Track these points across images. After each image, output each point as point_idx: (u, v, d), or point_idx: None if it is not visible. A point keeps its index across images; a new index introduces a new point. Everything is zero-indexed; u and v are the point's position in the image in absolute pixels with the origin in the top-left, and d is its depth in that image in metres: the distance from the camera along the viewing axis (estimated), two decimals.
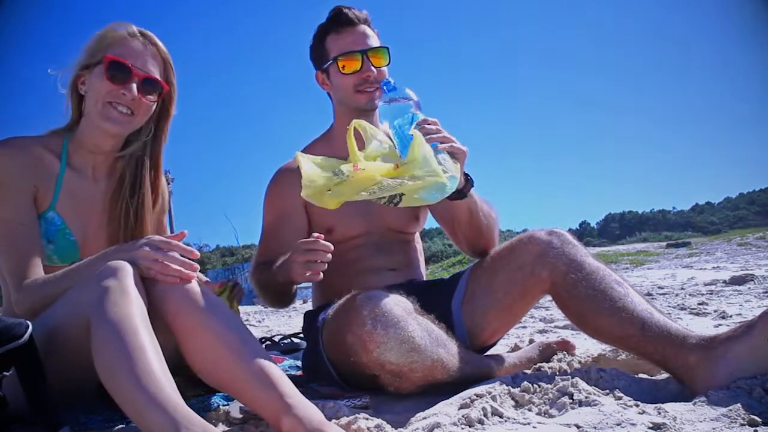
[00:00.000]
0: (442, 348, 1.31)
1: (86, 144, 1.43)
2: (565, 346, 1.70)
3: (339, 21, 1.66)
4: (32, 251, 1.29)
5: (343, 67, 1.64)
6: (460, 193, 1.43)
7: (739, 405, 0.98)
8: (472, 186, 1.46)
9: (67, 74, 1.42)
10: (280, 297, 1.64)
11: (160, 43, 1.43)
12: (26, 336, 1.00)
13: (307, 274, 1.36)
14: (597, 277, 1.32)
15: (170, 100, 1.49)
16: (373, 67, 1.63)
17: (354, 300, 1.31)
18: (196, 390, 1.36)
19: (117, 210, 1.46)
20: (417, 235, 1.85)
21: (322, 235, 1.38)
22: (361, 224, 1.67)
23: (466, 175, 1.43)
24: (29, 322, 1.02)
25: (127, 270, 1.07)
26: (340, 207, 1.66)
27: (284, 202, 1.71)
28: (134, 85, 1.36)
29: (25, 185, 1.32)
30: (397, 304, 1.30)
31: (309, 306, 2.00)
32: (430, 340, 1.29)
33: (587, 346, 1.81)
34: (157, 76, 1.41)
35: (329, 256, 1.36)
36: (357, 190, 1.19)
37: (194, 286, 1.13)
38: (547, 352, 1.66)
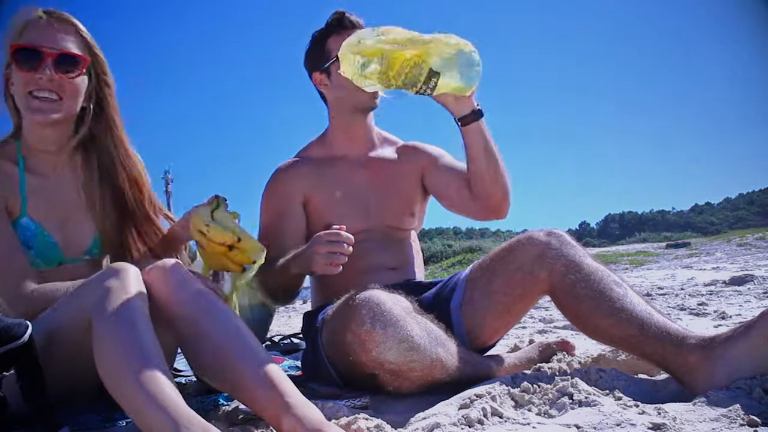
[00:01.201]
0: (441, 347, 1.31)
1: (34, 144, 1.38)
2: (565, 347, 1.70)
3: (342, 24, 1.69)
4: (19, 259, 1.27)
5: None
6: (476, 114, 1.49)
7: (738, 405, 0.98)
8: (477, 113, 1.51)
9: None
10: (286, 292, 1.64)
11: (70, 17, 1.33)
12: (26, 336, 0.99)
13: (329, 265, 1.38)
14: (596, 278, 1.32)
15: (103, 72, 1.40)
16: None
17: (353, 299, 1.31)
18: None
19: (93, 200, 1.43)
20: (415, 236, 1.86)
21: (344, 226, 1.40)
22: (359, 222, 1.68)
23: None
24: (29, 323, 1.02)
25: (129, 270, 1.07)
26: (338, 203, 1.70)
27: (284, 201, 1.73)
28: (48, 67, 1.27)
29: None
30: (396, 304, 1.30)
31: (309, 306, 2.00)
32: (429, 339, 1.29)
33: (587, 346, 1.81)
34: (75, 51, 1.31)
35: (350, 248, 1.38)
36: (393, 68, 1.31)
37: (195, 286, 1.13)
38: (546, 353, 1.66)
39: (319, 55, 1.73)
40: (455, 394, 1.19)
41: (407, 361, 1.26)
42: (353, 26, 1.68)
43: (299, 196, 1.72)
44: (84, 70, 1.34)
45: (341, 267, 1.39)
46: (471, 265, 1.62)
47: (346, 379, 1.42)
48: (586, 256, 1.38)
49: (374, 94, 1.69)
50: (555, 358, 1.63)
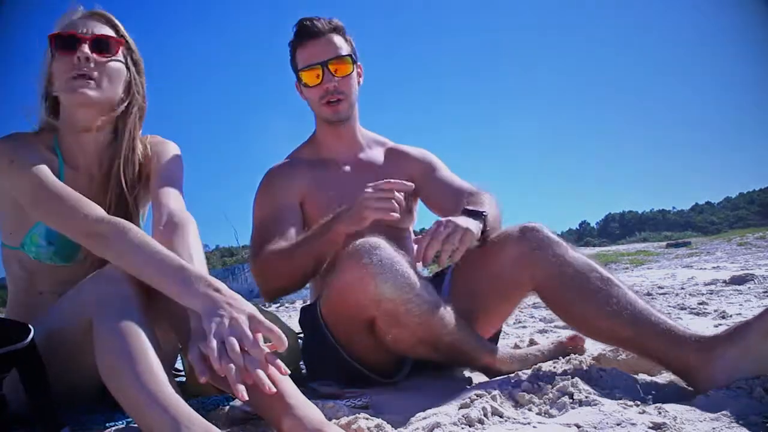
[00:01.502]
0: (439, 302, 1.30)
1: (69, 132, 1.37)
2: (575, 341, 1.66)
3: (301, 34, 1.69)
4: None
5: (305, 79, 1.69)
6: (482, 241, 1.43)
7: (739, 405, 0.98)
8: (485, 225, 1.43)
9: (40, 85, 1.36)
10: (315, 266, 1.55)
11: (105, 12, 1.37)
12: (28, 339, 0.99)
13: (383, 210, 1.35)
14: (581, 280, 1.30)
15: (134, 58, 1.41)
16: (334, 78, 1.66)
17: (352, 246, 1.31)
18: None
19: (103, 200, 1.38)
20: (412, 233, 1.85)
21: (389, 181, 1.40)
22: None
23: (479, 214, 1.42)
24: (31, 326, 1.02)
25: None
26: (333, 204, 1.69)
27: (282, 197, 1.71)
28: (85, 48, 1.29)
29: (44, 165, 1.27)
30: (393, 247, 1.30)
31: None
32: (425, 287, 1.28)
33: (587, 346, 1.81)
34: (109, 34, 1.34)
35: (402, 199, 1.37)
36: None
37: None
38: (560, 349, 1.63)
39: (293, 67, 1.75)
40: (455, 394, 1.19)
41: (405, 300, 1.24)
42: (318, 33, 1.67)
43: (297, 195, 1.72)
44: (119, 52, 1.35)
45: (397, 215, 1.36)
46: (453, 265, 1.57)
47: (345, 344, 1.41)
48: (566, 253, 1.34)
49: (336, 108, 1.69)
50: (563, 359, 1.60)
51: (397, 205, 1.36)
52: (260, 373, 0.91)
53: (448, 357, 1.41)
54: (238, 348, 0.92)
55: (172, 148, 1.47)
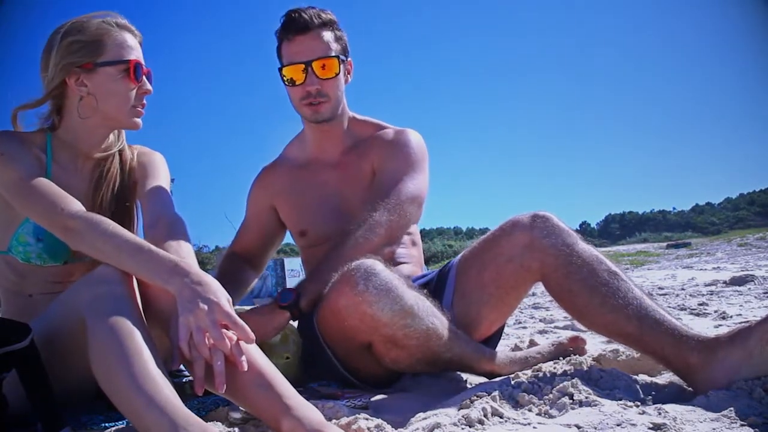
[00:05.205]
0: (436, 318, 1.30)
1: (75, 143, 1.38)
2: (576, 342, 1.65)
3: (288, 26, 1.58)
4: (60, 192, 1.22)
5: (288, 76, 1.59)
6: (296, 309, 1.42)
7: (739, 405, 0.98)
8: (298, 302, 1.41)
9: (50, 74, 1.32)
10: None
11: (137, 30, 1.38)
12: (28, 339, 0.99)
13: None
14: (589, 271, 1.28)
15: None
16: (317, 79, 1.56)
17: (347, 268, 1.30)
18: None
19: (94, 207, 1.39)
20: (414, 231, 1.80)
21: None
22: (334, 226, 1.63)
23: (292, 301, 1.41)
24: (31, 327, 1.01)
25: (122, 270, 1.07)
26: (308, 208, 1.71)
27: (251, 207, 1.82)
28: (146, 81, 1.36)
29: (32, 161, 1.29)
30: (391, 272, 1.30)
31: None
32: (422, 307, 1.28)
33: (587, 347, 1.81)
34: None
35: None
36: None
37: None
38: (560, 350, 1.62)
39: (279, 58, 1.64)
40: (455, 394, 1.19)
41: (402, 326, 1.25)
42: (306, 28, 1.55)
43: (268, 201, 1.78)
44: None
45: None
46: (460, 255, 1.56)
47: (344, 361, 1.40)
48: (577, 243, 1.33)
49: (317, 109, 1.59)
50: (563, 359, 1.59)
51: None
52: (218, 367, 0.96)
53: (447, 369, 1.43)
54: (204, 342, 0.97)
55: (158, 158, 1.53)
